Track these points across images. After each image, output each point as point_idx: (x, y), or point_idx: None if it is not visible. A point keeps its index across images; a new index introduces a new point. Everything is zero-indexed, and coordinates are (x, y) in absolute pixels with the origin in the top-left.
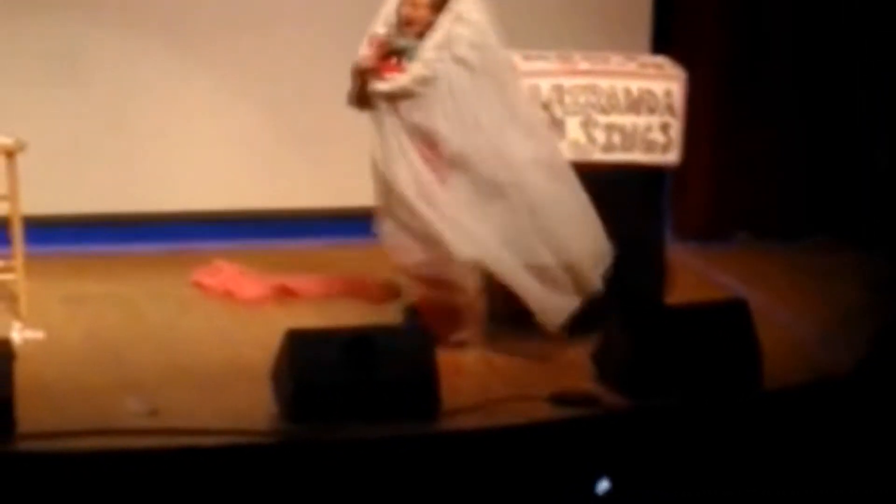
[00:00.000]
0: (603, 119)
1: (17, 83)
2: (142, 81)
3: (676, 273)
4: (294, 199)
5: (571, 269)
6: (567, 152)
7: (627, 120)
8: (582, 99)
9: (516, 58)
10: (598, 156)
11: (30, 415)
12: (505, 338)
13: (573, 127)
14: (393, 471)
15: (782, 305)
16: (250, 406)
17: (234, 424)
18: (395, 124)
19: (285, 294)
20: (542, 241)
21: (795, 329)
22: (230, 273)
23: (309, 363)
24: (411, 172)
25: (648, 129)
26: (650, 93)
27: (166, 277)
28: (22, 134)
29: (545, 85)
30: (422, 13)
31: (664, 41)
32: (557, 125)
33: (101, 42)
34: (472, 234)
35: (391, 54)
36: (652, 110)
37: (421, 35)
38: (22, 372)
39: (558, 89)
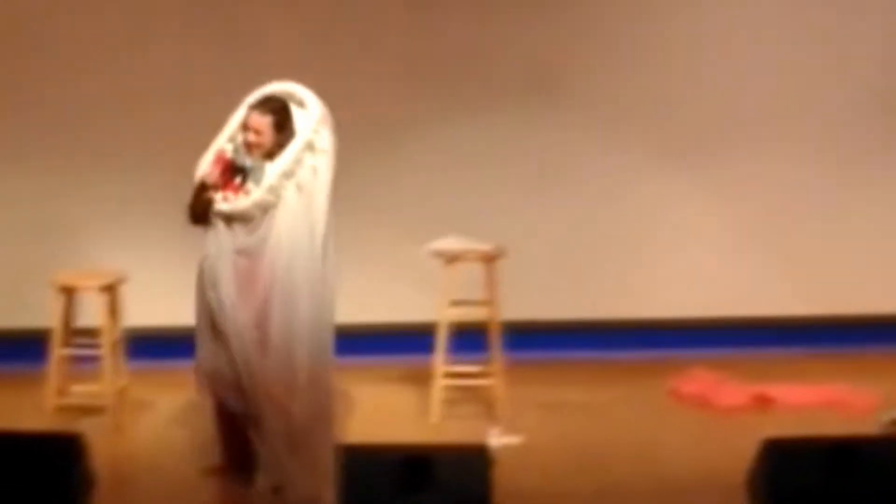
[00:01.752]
0: None
1: (502, 189)
2: (622, 189)
3: None
4: (772, 308)
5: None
6: None
7: None
8: None
9: None
10: None
11: None
12: None
13: None
14: None
15: None
16: None
17: None
18: (227, 243)
19: (764, 402)
20: None
21: None
22: (708, 380)
23: (787, 473)
24: (234, 293)
25: None
26: None
27: (643, 385)
28: (501, 240)
29: None
30: (265, 139)
31: None
32: None
33: (585, 149)
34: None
35: (235, 173)
36: None
37: (266, 155)
38: (500, 477)
39: None
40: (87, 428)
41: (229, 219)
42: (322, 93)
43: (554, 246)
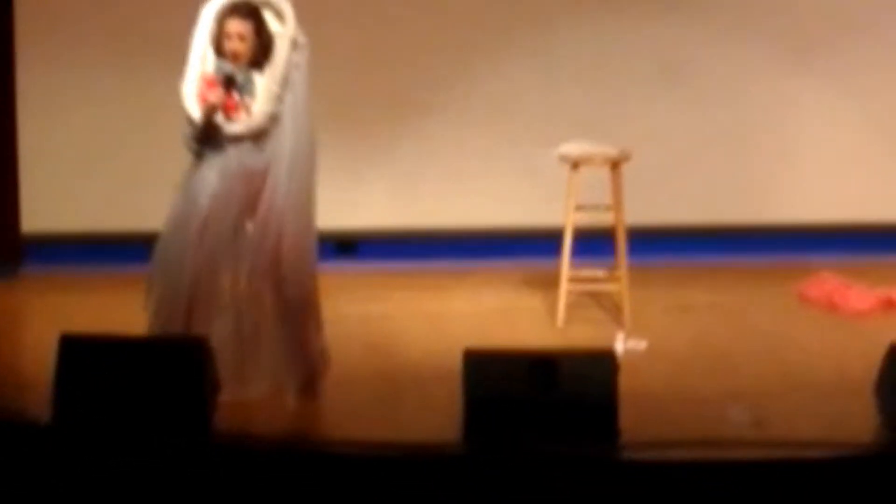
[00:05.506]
0: None
1: (624, 92)
2: (747, 90)
3: None
4: None
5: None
6: None
7: None
8: None
9: None
10: None
11: (633, 424)
12: None
13: None
14: None
15: None
16: (852, 418)
17: (836, 436)
18: (235, 163)
19: (891, 306)
20: None
21: None
22: (835, 285)
23: None
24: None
25: None
26: None
27: (770, 289)
28: (626, 143)
29: None
30: (249, 44)
31: None
32: None
33: (707, 50)
34: None
35: (228, 90)
36: None
37: (253, 63)
38: (625, 382)
39: None
40: None
41: (239, 138)
42: None
43: (679, 149)
